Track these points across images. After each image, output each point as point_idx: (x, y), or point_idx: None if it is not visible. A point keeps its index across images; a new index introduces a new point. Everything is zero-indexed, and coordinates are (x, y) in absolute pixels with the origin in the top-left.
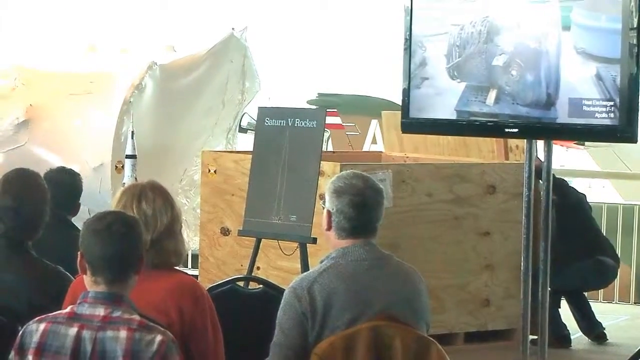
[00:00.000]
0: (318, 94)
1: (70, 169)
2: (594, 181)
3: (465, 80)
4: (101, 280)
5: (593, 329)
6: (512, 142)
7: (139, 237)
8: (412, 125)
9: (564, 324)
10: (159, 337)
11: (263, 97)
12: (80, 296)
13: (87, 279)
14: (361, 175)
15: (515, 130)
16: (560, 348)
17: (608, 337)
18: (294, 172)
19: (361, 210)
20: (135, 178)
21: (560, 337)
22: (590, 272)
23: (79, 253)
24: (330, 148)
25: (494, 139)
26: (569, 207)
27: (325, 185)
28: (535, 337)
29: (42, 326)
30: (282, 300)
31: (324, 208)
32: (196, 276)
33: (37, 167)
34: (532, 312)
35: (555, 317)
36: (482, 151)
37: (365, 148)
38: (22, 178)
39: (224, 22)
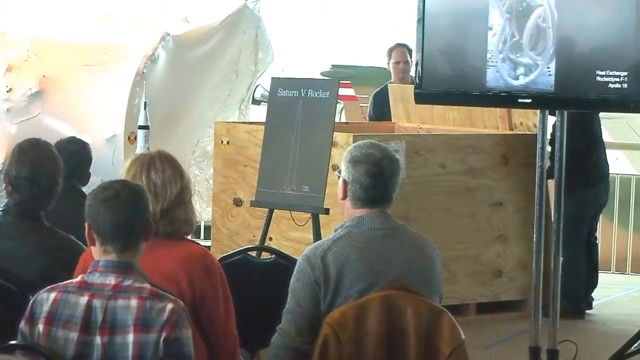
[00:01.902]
0: (332, 65)
1: (80, 139)
2: (607, 152)
3: None
4: (111, 249)
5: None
6: (517, 118)
7: (146, 204)
8: (425, 96)
9: (583, 299)
10: (170, 306)
11: (277, 69)
12: (91, 265)
13: (96, 249)
14: (378, 145)
15: (529, 100)
16: (573, 319)
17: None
18: (307, 143)
19: (377, 179)
20: (148, 149)
21: (576, 310)
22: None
23: (86, 224)
24: (343, 119)
25: (498, 115)
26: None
27: (342, 155)
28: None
29: (52, 295)
30: (296, 268)
31: (339, 177)
32: (209, 247)
33: (50, 138)
34: (545, 284)
35: (574, 289)
36: (487, 127)
37: None
38: (36, 148)
39: None
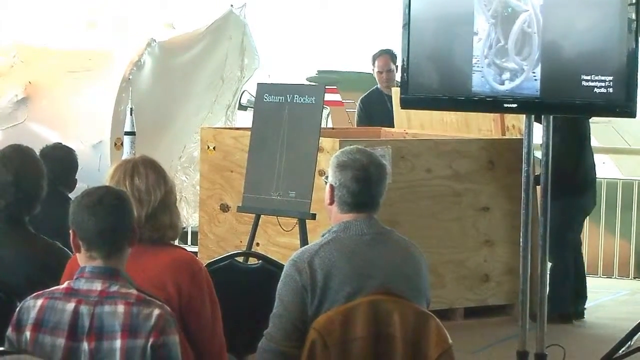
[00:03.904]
0: (318, 71)
1: (65, 145)
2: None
3: None
4: (97, 255)
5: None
6: (509, 121)
7: (130, 210)
8: (411, 101)
9: (569, 302)
10: (156, 311)
11: (263, 75)
12: (77, 271)
13: (81, 256)
14: (365, 150)
15: (514, 105)
16: (560, 324)
17: (573, 322)
18: (293, 148)
19: (364, 185)
20: (134, 155)
21: (563, 314)
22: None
23: (71, 231)
24: (330, 125)
25: (492, 118)
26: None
27: (329, 160)
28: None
29: (39, 302)
30: (283, 273)
31: (326, 183)
32: (196, 252)
33: (36, 144)
34: (532, 288)
35: (562, 293)
36: (481, 130)
37: None
38: (20, 154)
39: None
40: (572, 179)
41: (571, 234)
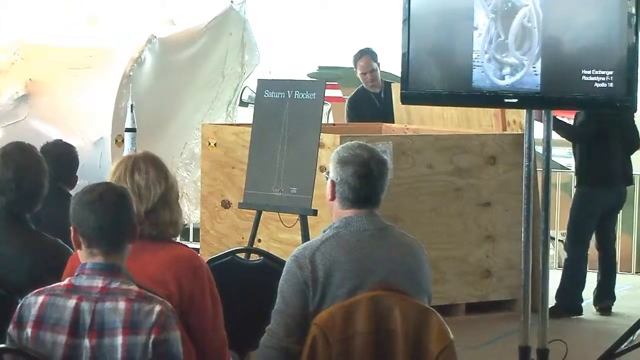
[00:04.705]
0: (319, 67)
1: (66, 142)
2: None
3: None
4: (97, 252)
5: (601, 299)
6: (510, 116)
7: (130, 205)
8: (411, 96)
9: (580, 297)
10: (157, 308)
11: (264, 71)
12: (78, 268)
13: (82, 253)
14: (366, 146)
15: (515, 100)
16: (564, 318)
17: (612, 312)
18: (294, 144)
19: (365, 180)
20: (135, 151)
21: (572, 310)
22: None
23: (71, 228)
24: (331, 121)
25: (492, 113)
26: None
27: (330, 156)
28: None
29: (40, 299)
30: (284, 269)
31: (327, 179)
32: (197, 249)
33: (37, 141)
34: (534, 283)
35: (568, 288)
36: (482, 125)
37: None
38: (20, 151)
39: None
40: (600, 172)
41: (586, 230)
